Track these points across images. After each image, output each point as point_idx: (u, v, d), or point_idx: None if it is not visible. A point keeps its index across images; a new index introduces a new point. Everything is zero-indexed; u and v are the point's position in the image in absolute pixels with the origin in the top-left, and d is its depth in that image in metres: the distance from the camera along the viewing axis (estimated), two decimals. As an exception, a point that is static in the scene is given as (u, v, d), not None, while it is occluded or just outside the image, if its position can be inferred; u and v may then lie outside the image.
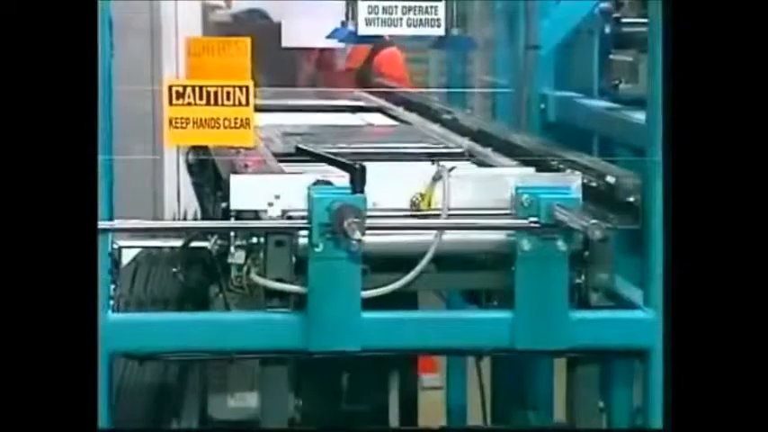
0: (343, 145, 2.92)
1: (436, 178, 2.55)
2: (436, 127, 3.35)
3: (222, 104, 2.51)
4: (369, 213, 2.42)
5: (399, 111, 3.66)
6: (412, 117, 3.53)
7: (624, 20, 3.54)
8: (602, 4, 3.51)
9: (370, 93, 4.11)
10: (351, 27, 2.90)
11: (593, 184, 2.66)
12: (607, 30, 3.42)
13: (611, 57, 3.34)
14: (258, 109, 3.24)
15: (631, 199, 2.61)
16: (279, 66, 4.37)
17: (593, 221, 2.36)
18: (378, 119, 3.54)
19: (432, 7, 2.86)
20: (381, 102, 3.89)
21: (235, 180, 2.53)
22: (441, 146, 3.06)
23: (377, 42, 4.74)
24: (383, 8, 2.84)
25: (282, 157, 2.82)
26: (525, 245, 2.50)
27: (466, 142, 3.06)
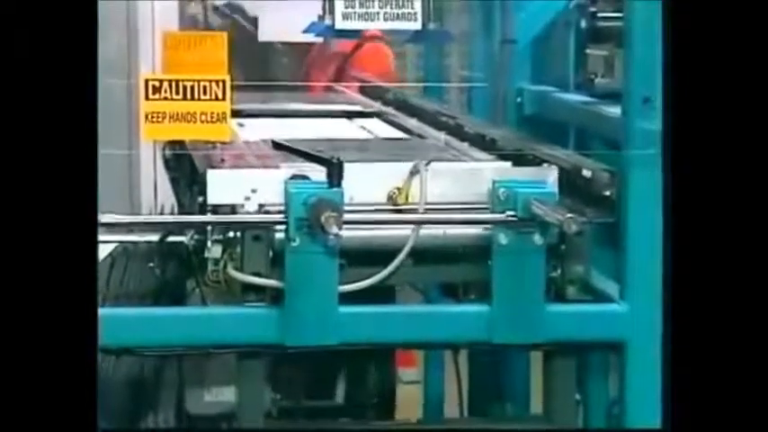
0: None
1: (413, 172, 2.55)
2: (444, 135, 3.12)
3: (199, 99, 2.51)
4: (346, 208, 2.42)
5: (400, 116, 3.45)
6: (412, 123, 3.34)
7: (600, 14, 3.55)
8: (578, -2, 3.52)
9: (348, 87, 4.11)
10: (328, 21, 2.89)
11: (570, 178, 2.67)
12: (583, 24, 3.43)
13: (587, 51, 3.34)
14: (243, 114, 3.22)
15: (607, 192, 2.62)
16: (255, 61, 4.35)
17: (569, 215, 2.37)
18: (376, 125, 3.32)
19: (408, 1, 2.86)
20: (366, 100, 3.88)
21: (211, 174, 2.53)
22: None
23: (362, 37, 4.69)
24: (360, 2, 2.84)
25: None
26: (502, 239, 2.51)
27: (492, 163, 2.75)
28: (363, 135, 3.24)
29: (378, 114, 3.54)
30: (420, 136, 3.19)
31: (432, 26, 2.93)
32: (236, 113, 3.06)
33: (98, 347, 2.13)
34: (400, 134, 3.25)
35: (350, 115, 3.48)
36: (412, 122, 3.36)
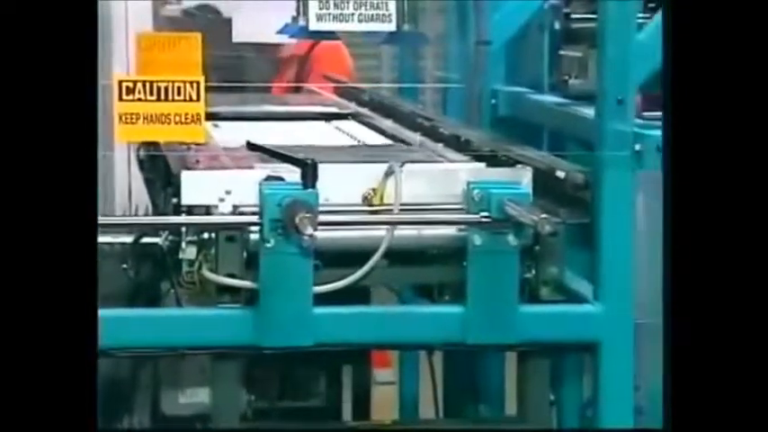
0: None
1: (388, 173, 2.56)
2: (419, 136, 3.10)
3: (173, 100, 2.50)
4: (321, 209, 2.42)
5: (376, 117, 3.38)
6: (387, 124, 3.28)
7: (574, 15, 3.56)
8: (552, 0, 3.53)
9: (323, 88, 4.10)
10: (302, 22, 2.89)
11: (544, 179, 2.67)
12: (557, 25, 3.44)
13: (561, 52, 3.35)
14: (219, 117, 3.19)
15: (581, 193, 2.63)
16: (229, 62, 4.33)
17: (543, 216, 2.38)
18: (352, 127, 3.25)
19: (383, 3, 2.86)
20: (341, 101, 3.87)
21: (186, 175, 2.53)
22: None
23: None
24: (334, 3, 2.84)
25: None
26: (476, 239, 2.51)
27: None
28: (340, 137, 3.22)
29: (354, 116, 3.51)
30: (395, 137, 3.18)
31: (406, 28, 2.93)
32: (211, 116, 3.07)
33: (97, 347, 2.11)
34: (376, 136, 3.23)
35: (326, 117, 3.45)
36: (387, 123, 3.35)
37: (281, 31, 3.02)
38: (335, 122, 3.35)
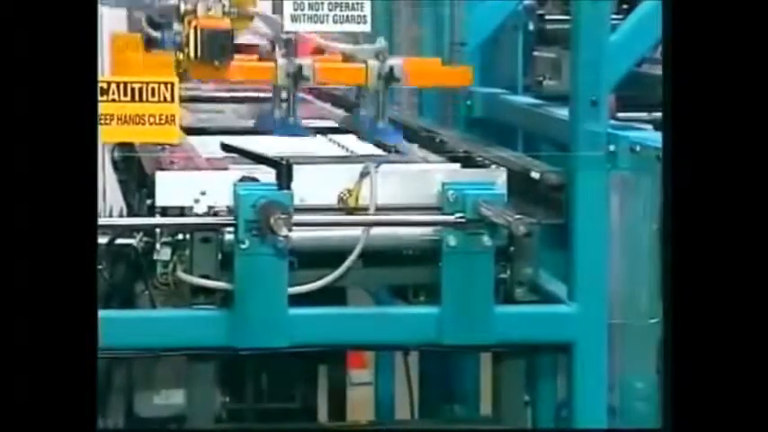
0: None
1: (363, 174, 2.56)
2: (432, 155, 2.97)
3: (147, 101, 2.50)
4: (296, 209, 2.42)
5: (418, 150, 3.03)
6: (432, 158, 2.95)
7: (548, 17, 3.57)
8: (526, 2, 3.54)
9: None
10: (278, 115, 2.94)
11: (519, 180, 2.68)
12: (531, 27, 3.45)
13: (535, 53, 3.36)
14: (206, 132, 3.11)
15: (555, 194, 2.64)
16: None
17: (518, 216, 2.38)
18: (352, 142, 3.05)
19: (358, 4, 2.86)
20: (313, 100, 3.86)
21: (160, 177, 2.52)
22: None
23: None
24: (309, 4, 2.84)
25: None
26: (451, 240, 2.52)
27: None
28: (329, 146, 3.10)
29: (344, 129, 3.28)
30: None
31: (381, 123, 2.96)
32: (200, 131, 3.03)
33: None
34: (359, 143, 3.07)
35: (323, 131, 3.21)
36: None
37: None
38: (333, 136, 3.15)
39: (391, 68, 2.94)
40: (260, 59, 3.03)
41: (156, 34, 3.19)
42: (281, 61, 2.91)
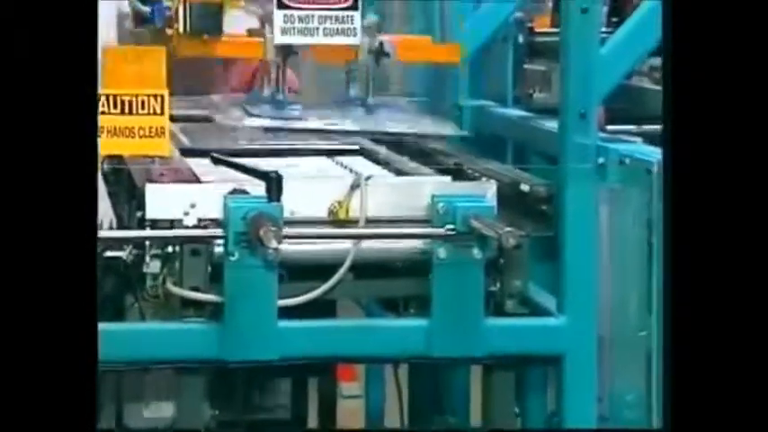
0: None
1: (354, 187, 2.56)
2: (384, 149, 2.98)
3: (137, 113, 2.50)
4: (286, 222, 2.42)
5: (385, 152, 3.04)
6: (402, 161, 2.97)
7: (537, 30, 3.58)
8: (516, 14, 3.55)
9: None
10: (267, 91, 2.92)
11: (508, 192, 2.68)
12: (521, 39, 3.46)
13: (525, 66, 3.37)
14: (197, 153, 3.06)
15: (545, 206, 2.64)
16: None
17: (508, 229, 2.39)
18: (359, 164, 2.94)
19: (348, 17, 2.87)
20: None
21: (150, 189, 2.52)
22: None
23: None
24: (299, 17, 2.84)
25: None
26: (441, 253, 2.52)
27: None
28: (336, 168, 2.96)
29: (360, 152, 3.16)
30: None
31: (371, 99, 2.95)
32: (203, 153, 2.98)
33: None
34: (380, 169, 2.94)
35: (328, 153, 3.10)
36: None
37: (247, 102, 3.01)
38: (340, 158, 3.04)
39: (381, 44, 2.92)
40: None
41: (145, 9, 3.18)
42: (270, 37, 2.89)
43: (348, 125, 2.86)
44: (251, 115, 2.88)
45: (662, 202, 2.44)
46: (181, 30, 2.83)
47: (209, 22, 2.83)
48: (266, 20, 2.92)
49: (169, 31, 2.92)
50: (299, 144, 3.10)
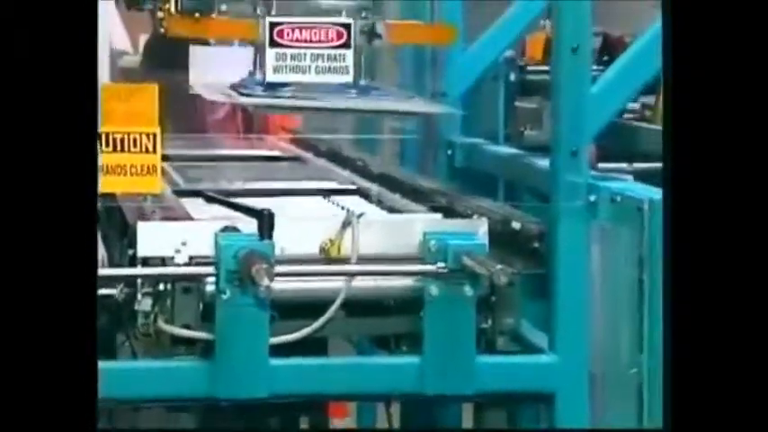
0: None
1: (345, 224, 2.56)
2: (376, 187, 2.98)
3: (129, 151, 2.50)
4: (277, 259, 2.42)
5: (388, 195, 3.01)
6: (403, 203, 2.94)
7: (529, 67, 3.60)
8: (507, 52, 3.57)
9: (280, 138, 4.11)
10: (259, 75, 2.90)
11: (500, 230, 2.69)
12: (512, 77, 3.48)
13: (516, 104, 3.39)
14: (199, 194, 3.03)
15: (536, 244, 2.65)
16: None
17: (499, 267, 2.39)
18: (356, 204, 2.89)
19: (340, 55, 2.88)
20: (293, 148, 3.87)
21: (142, 226, 2.52)
22: None
23: None
24: (291, 55, 2.85)
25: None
26: (433, 290, 2.52)
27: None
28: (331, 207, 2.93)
29: (356, 191, 3.14)
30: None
31: (362, 82, 2.94)
32: (196, 193, 2.97)
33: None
34: (382, 213, 2.90)
35: (324, 193, 3.07)
36: (344, 174, 3.34)
37: (238, 84, 3.02)
38: (336, 197, 3.00)
39: (373, 24, 2.92)
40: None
41: None
42: (262, 19, 2.84)
43: (339, 103, 2.85)
44: (242, 95, 2.87)
45: (661, 234, 2.44)
46: (173, 9, 2.82)
47: (201, 0, 2.82)
48: (257, 3, 2.91)
49: (160, 14, 2.91)
50: (295, 185, 3.11)
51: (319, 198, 3.01)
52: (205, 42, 3.36)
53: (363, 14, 2.92)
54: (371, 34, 2.91)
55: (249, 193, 2.92)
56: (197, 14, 2.85)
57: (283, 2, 2.93)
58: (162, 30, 2.93)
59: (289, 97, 2.82)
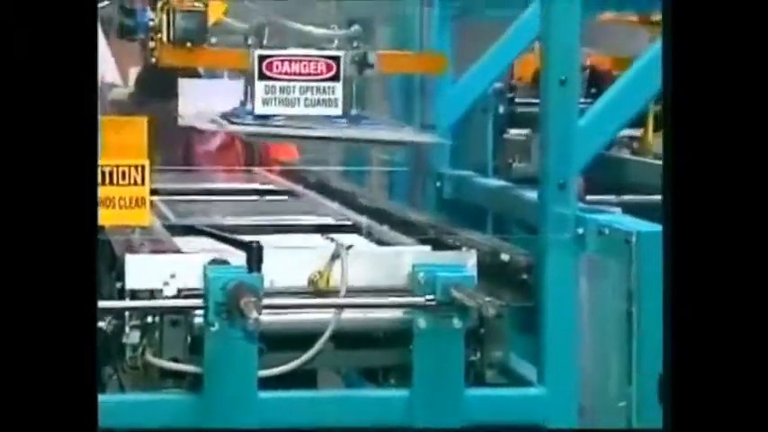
0: None
1: (334, 256, 2.56)
2: (365, 219, 2.97)
3: (118, 184, 2.50)
4: (266, 292, 2.42)
5: (386, 231, 2.97)
6: (392, 235, 2.93)
7: (517, 100, 3.62)
8: (496, 85, 3.59)
9: (270, 171, 4.12)
10: (249, 107, 2.90)
11: (488, 262, 2.69)
12: (501, 110, 3.49)
13: (505, 136, 3.40)
14: (195, 230, 2.99)
15: (525, 276, 2.65)
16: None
17: (488, 299, 2.39)
18: (351, 240, 2.81)
19: (329, 87, 2.88)
20: (284, 181, 3.86)
21: (130, 259, 2.52)
22: None
23: None
24: (280, 87, 2.86)
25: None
26: (422, 322, 2.52)
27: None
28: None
29: (346, 227, 3.13)
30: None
31: (353, 112, 2.95)
32: (196, 230, 2.96)
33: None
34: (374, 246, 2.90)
35: (320, 229, 3.05)
36: (334, 206, 3.35)
37: (228, 116, 3.03)
38: (334, 235, 2.92)
39: (365, 54, 2.92)
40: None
41: (129, 22, 3.17)
42: (253, 49, 2.86)
43: (331, 132, 2.86)
44: (234, 123, 2.88)
45: (649, 266, 2.43)
46: (165, 39, 2.83)
47: (193, 29, 2.84)
48: (249, 33, 2.93)
49: (152, 44, 2.92)
50: (289, 220, 3.11)
51: (313, 235, 2.99)
52: (195, 75, 3.39)
53: (355, 44, 2.94)
54: (363, 64, 2.92)
55: (242, 230, 2.89)
56: (189, 44, 2.86)
57: (276, 31, 2.95)
58: (153, 60, 2.94)
59: (281, 126, 2.83)
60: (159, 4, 2.88)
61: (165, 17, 2.84)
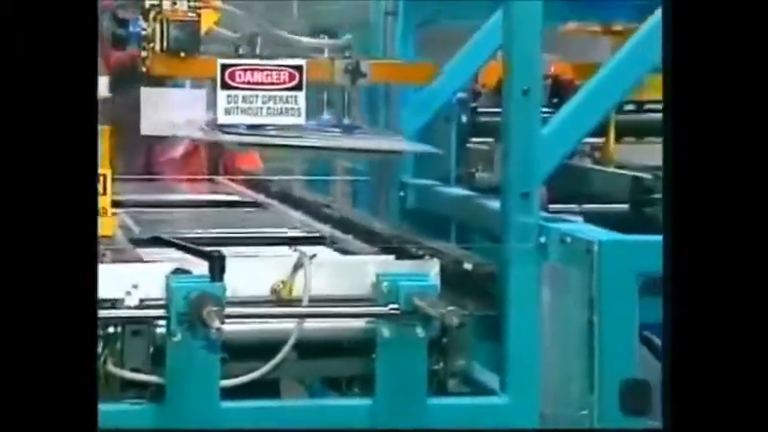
0: None
1: (297, 266, 2.56)
2: (328, 228, 2.97)
3: (80, 193, 2.49)
4: (229, 301, 2.42)
5: (352, 241, 2.95)
6: (297, 216, 3.04)
7: (480, 109, 3.63)
8: (460, 94, 3.60)
9: (233, 180, 4.11)
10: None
11: (451, 271, 2.70)
12: (464, 119, 3.50)
13: (468, 145, 3.41)
14: (167, 242, 2.97)
15: (487, 285, 2.66)
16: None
17: (450, 308, 2.40)
18: (317, 250, 2.78)
19: (292, 97, 2.88)
20: (246, 191, 3.86)
21: (92, 269, 2.51)
22: None
23: None
24: (243, 97, 2.85)
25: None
26: (385, 332, 2.52)
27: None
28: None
29: (318, 239, 3.08)
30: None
31: (345, 121, 2.96)
32: (159, 241, 2.94)
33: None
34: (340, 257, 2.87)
35: (289, 241, 2.99)
36: (297, 215, 3.34)
37: (210, 124, 3.01)
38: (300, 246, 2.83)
39: (357, 63, 2.93)
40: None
41: (121, 32, 3.17)
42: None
43: (324, 142, 2.86)
44: (226, 133, 2.88)
45: (610, 276, 2.44)
46: (157, 48, 2.83)
47: (185, 39, 2.84)
48: (241, 42, 2.94)
49: (144, 53, 2.92)
50: (259, 232, 3.10)
51: (280, 246, 2.95)
52: (159, 84, 3.38)
53: (347, 53, 2.95)
54: (356, 73, 2.94)
55: (205, 242, 2.84)
56: (182, 54, 2.87)
57: (267, 41, 2.96)
58: (144, 69, 2.93)
59: (273, 135, 2.83)
60: (152, 14, 2.90)
61: (157, 27, 2.86)
